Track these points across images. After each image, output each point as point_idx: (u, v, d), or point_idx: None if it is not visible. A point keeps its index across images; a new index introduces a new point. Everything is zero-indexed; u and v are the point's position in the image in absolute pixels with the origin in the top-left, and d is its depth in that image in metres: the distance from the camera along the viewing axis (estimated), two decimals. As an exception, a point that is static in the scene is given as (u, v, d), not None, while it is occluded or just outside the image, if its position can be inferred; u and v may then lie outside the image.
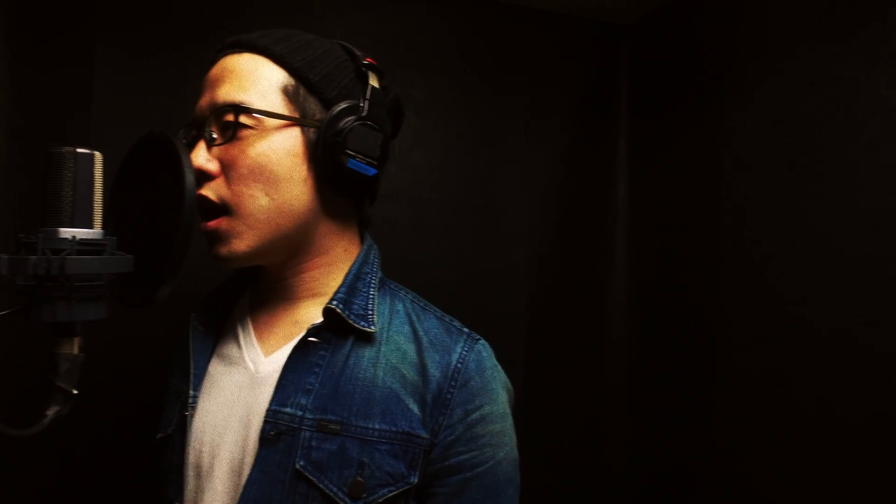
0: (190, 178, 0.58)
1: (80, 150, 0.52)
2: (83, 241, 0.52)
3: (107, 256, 0.53)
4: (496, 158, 1.43)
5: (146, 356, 1.11)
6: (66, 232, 0.51)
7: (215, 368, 0.74)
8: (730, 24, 1.21)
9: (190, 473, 0.70)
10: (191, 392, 0.72)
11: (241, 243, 0.67)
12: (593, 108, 1.53)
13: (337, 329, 0.69)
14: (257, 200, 0.66)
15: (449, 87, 1.40)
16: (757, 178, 1.13)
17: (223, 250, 0.67)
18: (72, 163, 0.52)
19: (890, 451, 0.87)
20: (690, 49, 1.32)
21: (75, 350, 0.54)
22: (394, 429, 0.65)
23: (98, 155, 0.54)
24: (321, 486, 0.63)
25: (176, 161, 0.58)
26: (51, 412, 0.52)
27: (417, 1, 1.38)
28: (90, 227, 0.53)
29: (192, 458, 0.70)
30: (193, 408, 0.72)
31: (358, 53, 0.73)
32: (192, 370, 0.73)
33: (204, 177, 0.66)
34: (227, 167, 0.66)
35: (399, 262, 1.29)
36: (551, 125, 1.48)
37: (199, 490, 0.69)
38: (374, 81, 0.71)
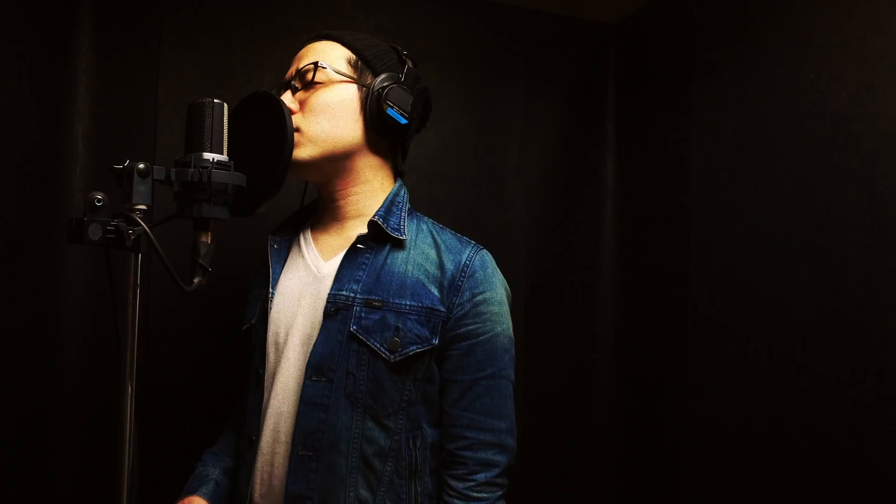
0: (290, 127, 0.82)
1: (216, 101, 0.76)
2: (219, 162, 0.75)
3: (232, 172, 0.76)
4: (498, 137, 1.67)
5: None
6: (208, 155, 0.75)
7: (286, 274, 0.98)
8: (700, 23, 1.46)
9: (270, 350, 0.94)
10: (270, 290, 0.96)
11: (304, 152, 0.92)
12: (584, 95, 1.77)
13: (378, 238, 0.94)
14: (320, 125, 0.92)
15: (458, 76, 1.64)
16: (717, 155, 1.37)
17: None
18: (210, 108, 0.75)
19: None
20: (668, 44, 1.56)
21: (209, 240, 0.77)
22: (420, 305, 0.90)
23: (225, 104, 0.77)
24: (369, 342, 0.88)
25: (280, 114, 0.84)
26: (196, 280, 0.75)
27: (431, 4, 1.62)
28: (221, 153, 0.76)
29: (271, 338, 0.95)
30: (272, 301, 0.96)
31: (400, 48, 1.00)
32: (270, 275, 0.97)
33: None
34: (303, 105, 0.93)
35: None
36: (546, 109, 1.72)
37: (278, 360, 0.93)
38: (409, 64, 0.98)
